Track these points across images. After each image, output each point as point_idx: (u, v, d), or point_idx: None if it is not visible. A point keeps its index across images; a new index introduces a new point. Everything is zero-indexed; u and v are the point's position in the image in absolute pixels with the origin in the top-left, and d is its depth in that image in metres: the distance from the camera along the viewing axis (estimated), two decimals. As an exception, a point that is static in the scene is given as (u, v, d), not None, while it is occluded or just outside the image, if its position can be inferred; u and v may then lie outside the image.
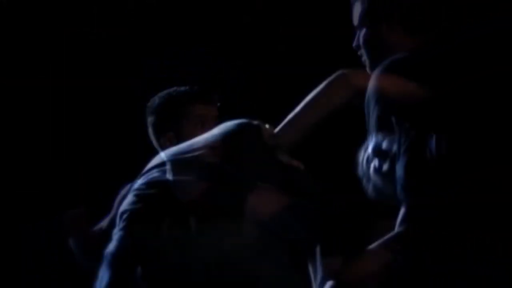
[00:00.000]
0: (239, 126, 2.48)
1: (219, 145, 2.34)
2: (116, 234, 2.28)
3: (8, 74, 3.94)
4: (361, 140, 2.85)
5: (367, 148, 2.80)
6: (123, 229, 2.27)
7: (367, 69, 2.51)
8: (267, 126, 2.51)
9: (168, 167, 2.35)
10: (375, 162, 2.75)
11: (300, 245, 2.47)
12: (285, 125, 2.49)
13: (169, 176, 2.32)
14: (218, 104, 2.91)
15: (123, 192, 2.65)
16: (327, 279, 2.55)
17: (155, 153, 2.49)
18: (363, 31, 2.44)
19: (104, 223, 2.69)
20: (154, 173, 2.36)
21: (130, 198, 2.34)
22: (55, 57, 3.95)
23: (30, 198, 3.90)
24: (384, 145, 2.75)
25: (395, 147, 2.62)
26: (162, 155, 2.43)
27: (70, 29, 3.92)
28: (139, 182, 2.37)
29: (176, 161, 2.37)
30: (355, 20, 2.49)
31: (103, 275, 2.26)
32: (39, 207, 3.87)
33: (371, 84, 2.43)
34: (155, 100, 2.93)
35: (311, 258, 2.55)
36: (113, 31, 3.95)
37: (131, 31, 3.94)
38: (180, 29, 3.97)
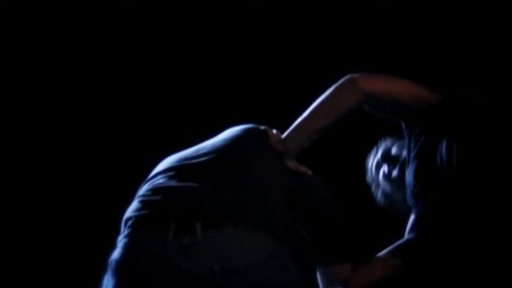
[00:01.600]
0: (246, 131, 2.45)
1: None
2: (120, 241, 2.25)
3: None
4: (370, 145, 2.84)
5: (376, 153, 2.79)
6: (128, 236, 2.23)
7: None
8: (274, 131, 2.49)
9: (174, 173, 2.32)
10: (384, 168, 2.74)
11: (307, 251, 2.45)
12: (292, 130, 2.47)
13: (174, 182, 2.29)
14: None
15: None
16: (335, 286, 2.54)
17: (160, 158, 2.45)
18: None
19: None
20: (160, 179, 2.33)
21: (135, 204, 2.30)
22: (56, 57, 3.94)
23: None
24: (394, 150, 2.74)
25: (404, 153, 2.62)
26: (168, 161, 2.40)
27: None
28: (144, 188, 2.34)
29: (183, 167, 2.34)
30: None
31: (107, 283, 2.23)
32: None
33: (382, 89, 2.41)
34: None
35: (317, 264, 2.54)
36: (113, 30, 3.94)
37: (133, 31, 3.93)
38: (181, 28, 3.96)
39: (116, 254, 2.22)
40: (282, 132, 2.48)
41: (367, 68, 2.60)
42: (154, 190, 2.29)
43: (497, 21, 3.78)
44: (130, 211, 2.29)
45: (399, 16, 3.92)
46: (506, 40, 3.77)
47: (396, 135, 2.73)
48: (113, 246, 2.26)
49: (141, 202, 2.28)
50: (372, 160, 2.80)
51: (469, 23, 3.81)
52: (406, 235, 2.59)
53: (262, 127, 2.48)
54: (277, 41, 3.96)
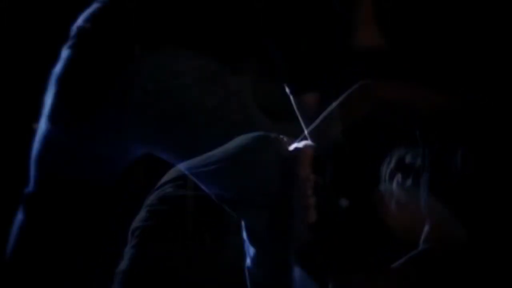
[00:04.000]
0: (256, 139, 2.41)
1: None
2: (127, 251, 2.22)
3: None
4: (384, 153, 2.80)
5: (390, 162, 2.76)
6: (135, 246, 2.21)
7: None
8: (285, 138, 2.45)
9: (182, 182, 2.29)
10: (398, 177, 2.70)
11: (317, 260, 2.42)
12: (304, 138, 2.42)
13: (183, 191, 2.26)
14: None
15: None
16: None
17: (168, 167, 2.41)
18: None
19: None
20: (167, 189, 2.30)
21: (142, 214, 2.28)
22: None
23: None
24: (408, 158, 2.70)
25: (419, 161, 2.58)
26: (176, 170, 2.36)
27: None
28: (152, 197, 2.31)
29: (192, 176, 2.30)
30: None
31: (114, 295, 2.20)
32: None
33: (396, 96, 2.38)
34: None
35: (329, 274, 2.51)
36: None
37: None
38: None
39: (123, 265, 2.21)
40: (292, 140, 2.45)
41: (367, 67, 2.57)
42: (162, 200, 2.27)
43: (498, 21, 3.76)
44: (137, 220, 2.28)
45: (399, 16, 3.89)
46: (507, 40, 3.75)
47: (410, 143, 2.70)
48: (119, 257, 2.24)
49: (148, 212, 2.26)
50: (386, 169, 2.77)
51: (469, 22, 3.78)
52: (421, 246, 2.56)
53: (273, 135, 2.45)
54: (277, 41, 3.93)
